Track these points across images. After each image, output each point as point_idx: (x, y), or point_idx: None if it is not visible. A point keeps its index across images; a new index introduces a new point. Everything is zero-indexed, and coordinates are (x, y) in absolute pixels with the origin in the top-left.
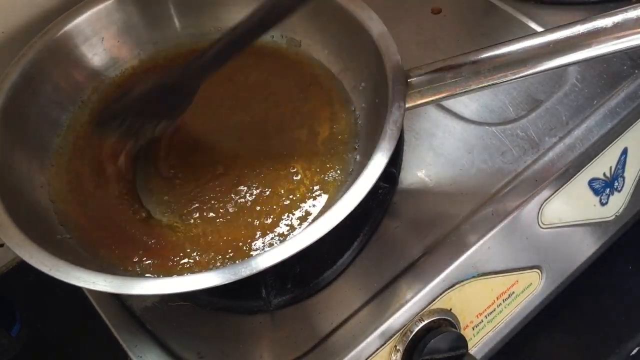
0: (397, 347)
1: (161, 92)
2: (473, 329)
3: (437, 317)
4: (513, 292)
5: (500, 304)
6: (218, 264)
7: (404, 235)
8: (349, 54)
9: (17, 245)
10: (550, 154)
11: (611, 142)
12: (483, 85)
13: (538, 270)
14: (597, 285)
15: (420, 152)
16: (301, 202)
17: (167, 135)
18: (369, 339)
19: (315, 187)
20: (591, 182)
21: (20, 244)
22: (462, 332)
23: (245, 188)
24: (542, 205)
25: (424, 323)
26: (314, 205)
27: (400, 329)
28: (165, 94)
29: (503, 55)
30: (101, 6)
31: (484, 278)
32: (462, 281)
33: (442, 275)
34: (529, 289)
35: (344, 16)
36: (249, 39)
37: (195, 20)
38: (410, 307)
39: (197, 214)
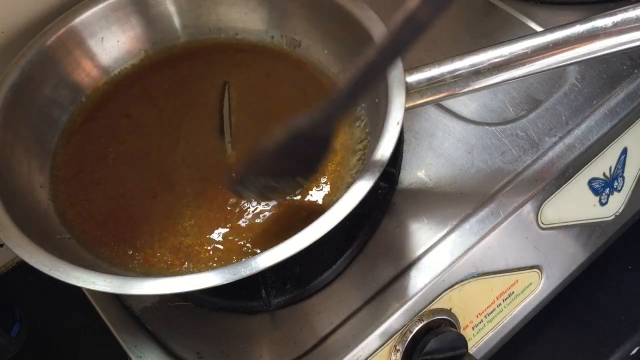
0: (397, 347)
1: (296, 146)
2: (473, 328)
3: (437, 317)
4: (513, 292)
5: (500, 303)
6: (217, 264)
7: (404, 235)
8: (349, 54)
9: (17, 245)
10: (550, 154)
11: (611, 142)
12: (483, 85)
13: (538, 270)
14: (597, 285)
15: (420, 152)
16: (301, 202)
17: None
18: (368, 339)
19: (315, 187)
20: (591, 182)
21: (20, 244)
22: (462, 332)
23: None
24: (541, 205)
25: (423, 323)
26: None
27: (400, 329)
28: (301, 145)
29: (503, 55)
30: (101, 6)
31: (484, 278)
32: (462, 281)
33: (442, 275)
34: (528, 289)
35: (343, 16)
36: (382, 68)
37: (195, 20)
38: (410, 307)
39: (198, 214)
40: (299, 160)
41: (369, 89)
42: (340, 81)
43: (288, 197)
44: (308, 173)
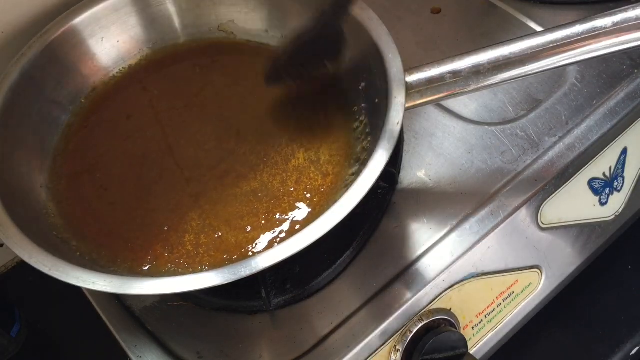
0: (397, 347)
1: (315, 42)
2: (473, 328)
3: (437, 317)
4: (513, 292)
5: (500, 303)
6: (218, 264)
7: (404, 235)
8: (349, 54)
9: (17, 245)
10: (550, 154)
11: (611, 142)
12: (483, 85)
13: (538, 270)
14: (597, 285)
15: (420, 152)
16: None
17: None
18: (368, 339)
19: (315, 187)
20: (591, 182)
21: (20, 244)
22: (462, 332)
23: (246, 187)
24: (541, 205)
25: (423, 323)
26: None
27: (400, 329)
28: (319, 42)
29: (503, 55)
30: (101, 6)
31: (483, 278)
32: (462, 281)
33: (442, 275)
34: (528, 289)
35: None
36: None
37: (195, 20)
38: (410, 307)
39: (198, 214)
40: (322, 51)
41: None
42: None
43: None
44: (333, 58)
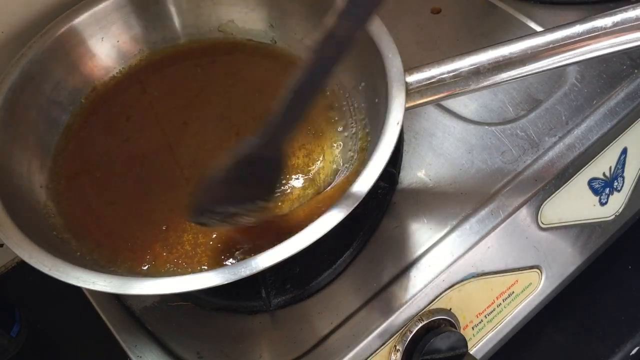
0: (397, 347)
1: (245, 170)
2: (473, 328)
3: (437, 317)
4: (513, 292)
5: (500, 303)
6: (218, 264)
7: (404, 235)
8: (349, 54)
9: (16, 245)
10: (550, 154)
11: (611, 142)
12: (483, 85)
13: (538, 270)
14: (597, 285)
15: (420, 152)
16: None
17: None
18: (368, 339)
19: (315, 187)
20: (591, 182)
21: (20, 244)
22: (462, 332)
23: None
24: (541, 205)
25: (423, 323)
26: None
27: (400, 329)
28: (252, 169)
29: (503, 55)
30: (101, 6)
31: (483, 278)
32: (462, 281)
33: (442, 275)
34: (528, 289)
35: None
36: (312, 90)
37: (195, 20)
38: (410, 307)
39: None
40: (253, 184)
41: (305, 110)
42: (276, 104)
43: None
44: (267, 195)
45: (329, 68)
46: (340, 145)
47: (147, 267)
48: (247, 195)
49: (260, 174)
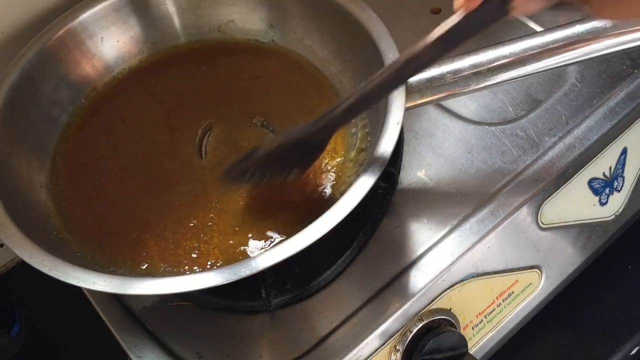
0: (397, 347)
1: (291, 148)
2: (473, 328)
3: (436, 317)
4: (513, 292)
5: (500, 303)
6: (220, 263)
7: (404, 235)
8: (349, 54)
9: (16, 245)
10: (550, 154)
11: (611, 142)
12: (483, 85)
13: (538, 270)
14: (597, 285)
15: (420, 152)
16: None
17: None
18: (368, 339)
19: (315, 187)
20: (591, 182)
21: (20, 244)
22: (462, 332)
23: (245, 187)
24: (541, 205)
25: (423, 323)
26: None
27: (400, 329)
28: (296, 149)
29: (503, 55)
30: (101, 6)
31: (483, 278)
32: (462, 281)
33: (442, 275)
34: (528, 289)
35: (343, 16)
36: (382, 94)
37: (195, 20)
38: (410, 307)
39: (199, 214)
40: (293, 162)
41: (367, 109)
42: (342, 96)
43: None
44: (301, 170)
45: (404, 80)
46: (339, 145)
47: (145, 266)
48: (284, 168)
49: (302, 155)
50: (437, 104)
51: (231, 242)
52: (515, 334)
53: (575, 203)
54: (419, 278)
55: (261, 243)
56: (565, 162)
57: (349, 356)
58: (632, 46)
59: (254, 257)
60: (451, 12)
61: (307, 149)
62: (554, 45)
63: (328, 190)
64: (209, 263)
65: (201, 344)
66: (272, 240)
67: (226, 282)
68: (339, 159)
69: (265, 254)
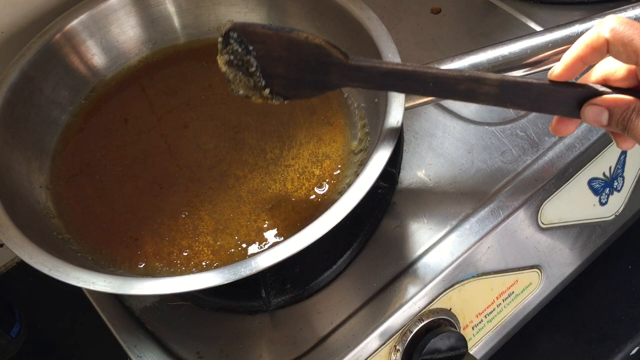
0: (397, 347)
1: (306, 60)
2: (473, 328)
3: (436, 317)
4: (513, 292)
5: (500, 303)
6: (217, 264)
7: (404, 235)
8: (349, 54)
9: (16, 245)
10: (550, 154)
11: (611, 142)
12: None
13: (538, 270)
14: (597, 285)
15: (420, 152)
16: (301, 202)
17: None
18: (368, 339)
19: (316, 187)
20: (591, 182)
21: (20, 244)
22: (462, 332)
23: (245, 187)
24: (541, 205)
25: (423, 323)
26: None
27: (400, 329)
28: (307, 65)
29: (503, 55)
30: (100, 6)
31: (483, 278)
32: (462, 281)
33: (442, 275)
34: (528, 289)
35: (343, 16)
36: (398, 89)
37: (195, 20)
38: (410, 307)
39: (198, 214)
40: (287, 74)
41: (387, 86)
42: (390, 63)
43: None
44: (282, 92)
45: (442, 97)
46: (339, 145)
47: (142, 265)
48: (278, 77)
49: (310, 72)
50: (437, 104)
51: (231, 242)
52: (515, 334)
53: (575, 203)
54: (419, 278)
55: (261, 243)
56: (565, 162)
57: (349, 356)
58: None
59: (254, 257)
60: (451, 12)
61: (312, 77)
62: (554, 45)
63: (328, 191)
64: (204, 263)
65: (201, 344)
66: (272, 240)
67: (226, 282)
68: (338, 159)
69: (265, 253)
